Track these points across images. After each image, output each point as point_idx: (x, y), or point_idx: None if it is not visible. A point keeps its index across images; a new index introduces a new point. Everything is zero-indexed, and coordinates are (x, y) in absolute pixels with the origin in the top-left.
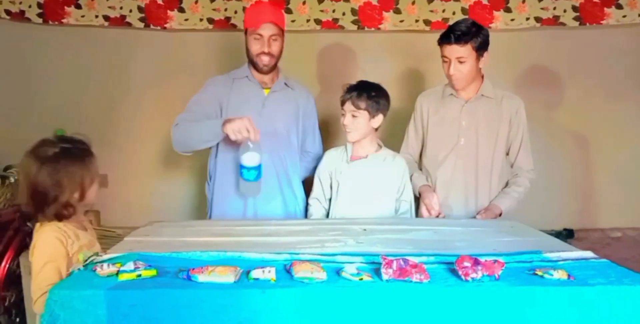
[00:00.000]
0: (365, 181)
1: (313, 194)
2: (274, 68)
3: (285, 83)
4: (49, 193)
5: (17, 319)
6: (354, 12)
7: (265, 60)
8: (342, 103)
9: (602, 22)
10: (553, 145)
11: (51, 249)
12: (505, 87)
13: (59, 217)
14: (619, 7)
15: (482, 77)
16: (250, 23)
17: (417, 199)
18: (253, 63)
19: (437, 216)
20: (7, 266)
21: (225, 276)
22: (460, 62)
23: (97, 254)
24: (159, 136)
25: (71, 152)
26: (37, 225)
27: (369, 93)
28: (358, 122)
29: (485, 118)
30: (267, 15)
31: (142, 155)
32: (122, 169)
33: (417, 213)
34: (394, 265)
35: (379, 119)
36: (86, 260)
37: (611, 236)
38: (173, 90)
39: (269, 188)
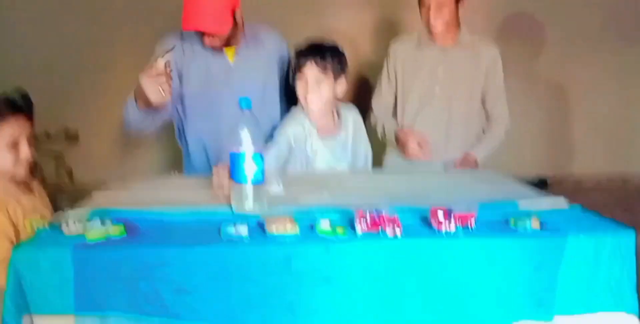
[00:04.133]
0: (338, 156)
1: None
2: (229, 41)
3: (249, 39)
4: None
5: None
6: None
7: (212, 44)
8: (299, 67)
9: None
10: (530, 95)
11: None
12: (484, 34)
13: None
14: None
15: (459, 25)
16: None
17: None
18: None
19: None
20: None
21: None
22: (440, 8)
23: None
24: (131, 88)
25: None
26: None
27: (333, 53)
28: (324, 89)
29: (462, 67)
30: (198, 22)
31: (115, 108)
32: (95, 124)
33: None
34: (368, 217)
35: (342, 86)
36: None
37: (584, 185)
38: (148, 38)
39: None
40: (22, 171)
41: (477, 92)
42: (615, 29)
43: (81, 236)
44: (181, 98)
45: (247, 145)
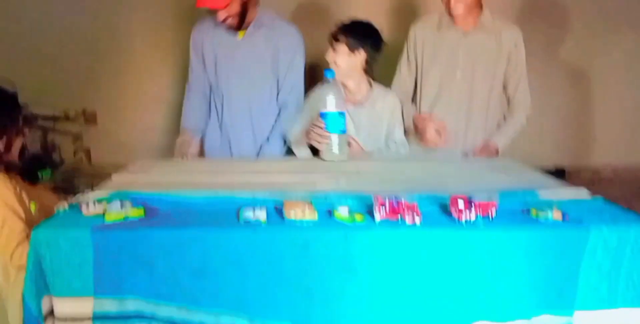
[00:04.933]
0: (359, 126)
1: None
2: (242, 23)
3: (263, 23)
4: None
5: None
6: None
7: (227, 25)
8: (330, 43)
9: None
10: (550, 81)
11: (4, 197)
12: (505, 18)
13: None
14: None
15: (482, 6)
16: None
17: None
18: None
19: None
20: None
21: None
22: None
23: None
24: (150, 71)
25: None
26: None
27: (352, 29)
28: (339, 58)
29: (483, 51)
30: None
31: (131, 91)
32: (114, 107)
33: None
34: (387, 204)
35: (360, 55)
36: (72, 201)
37: (603, 175)
38: (164, 21)
39: (245, 146)
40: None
41: (499, 76)
42: (639, 14)
43: (101, 217)
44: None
45: (332, 107)
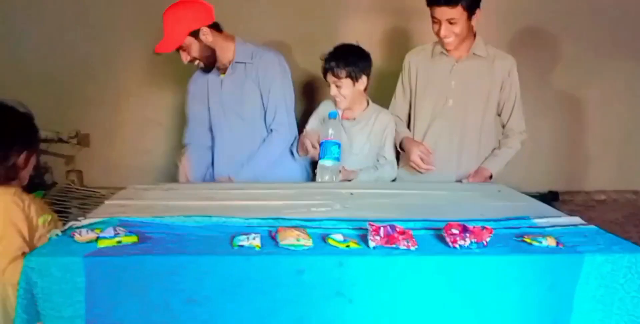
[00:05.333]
0: (353, 141)
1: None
2: (213, 63)
3: (241, 59)
4: None
5: None
6: None
7: (193, 62)
8: (324, 74)
9: None
10: (541, 106)
11: (9, 213)
12: (498, 46)
13: (8, 178)
14: None
15: (475, 34)
16: None
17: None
18: None
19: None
20: None
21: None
22: (451, 23)
23: (76, 219)
24: (143, 94)
25: (19, 114)
26: None
27: (347, 59)
28: (343, 91)
29: (476, 78)
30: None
31: (125, 113)
32: (105, 128)
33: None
34: (381, 231)
35: (363, 81)
36: (64, 228)
37: (595, 199)
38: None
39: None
40: (26, 179)
41: (492, 103)
42: (629, 42)
43: (93, 243)
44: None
45: (330, 137)
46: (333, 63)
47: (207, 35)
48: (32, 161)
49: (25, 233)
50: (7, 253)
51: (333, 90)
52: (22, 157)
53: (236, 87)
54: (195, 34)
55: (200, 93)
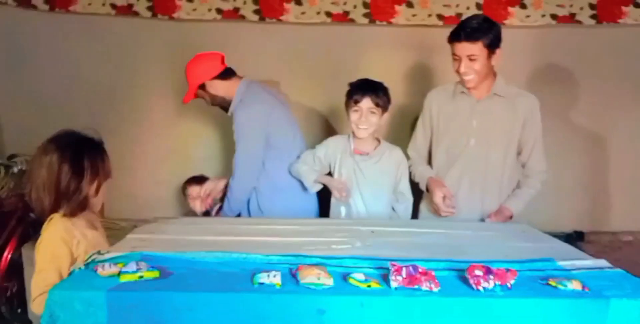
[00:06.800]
0: (366, 176)
1: (302, 161)
2: (227, 105)
3: (240, 98)
4: (71, 184)
5: (19, 310)
6: (365, 5)
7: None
8: (356, 100)
9: (619, 20)
10: (566, 145)
11: (55, 249)
12: (519, 85)
13: (75, 211)
14: (637, 5)
15: (495, 74)
16: None
17: (420, 192)
18: None
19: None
20: (9, 256)
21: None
22: (471, 60)
23: (98, 252)
24: (165, 125)
25: (91, 144)
26: (48, 219)
27: (383, 91)
28: (374, 118)
29: (497, 118)
30: None
31: (148, 145)
32: (128, 159)
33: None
34: (403, 272)
35: (386, 117)
36: (87, 258)
37: (622, 240)
38: (179, 80)
39: None
40: (99, 206)
41: (514, 142)
42: None
43: (115, 278)
44: None
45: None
46: (371, 90)
47: (212, 87)
48: (104, 189)
49: (65, 270)
50: (41, 286)
51: (365, 116)
52: (94, 186)
53: (235, 125)
54: (202, 87)
55: None
